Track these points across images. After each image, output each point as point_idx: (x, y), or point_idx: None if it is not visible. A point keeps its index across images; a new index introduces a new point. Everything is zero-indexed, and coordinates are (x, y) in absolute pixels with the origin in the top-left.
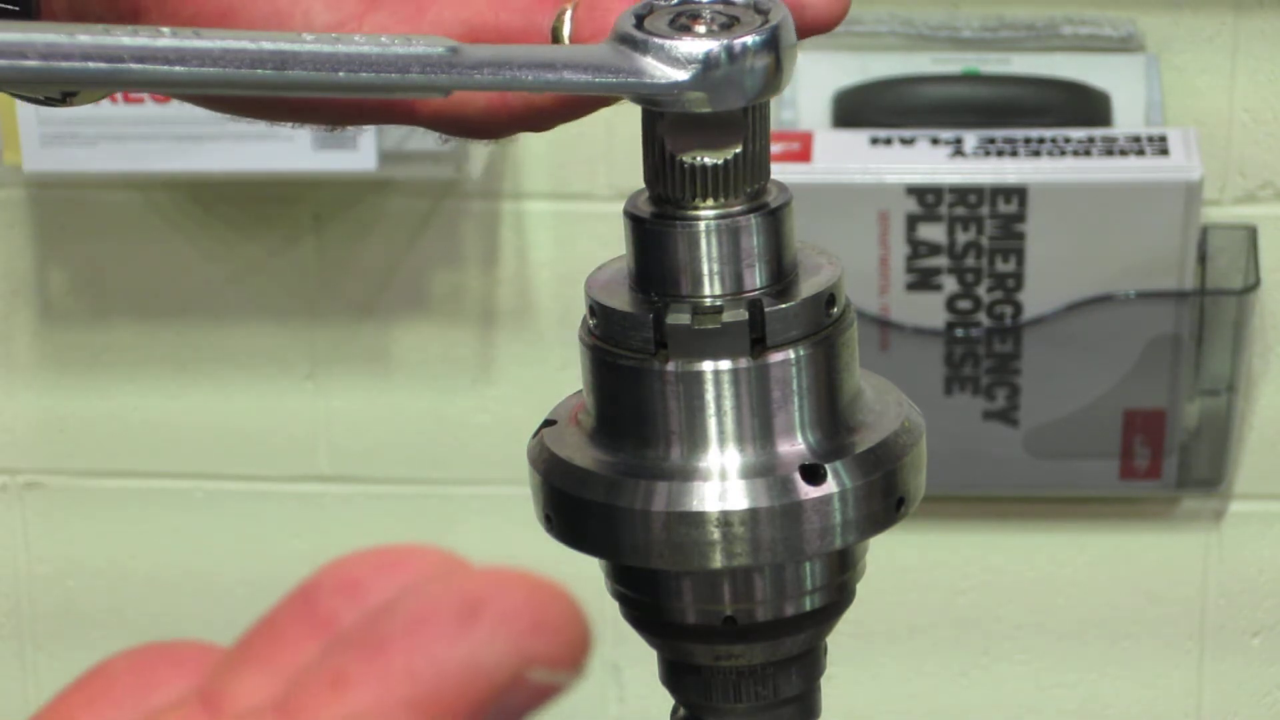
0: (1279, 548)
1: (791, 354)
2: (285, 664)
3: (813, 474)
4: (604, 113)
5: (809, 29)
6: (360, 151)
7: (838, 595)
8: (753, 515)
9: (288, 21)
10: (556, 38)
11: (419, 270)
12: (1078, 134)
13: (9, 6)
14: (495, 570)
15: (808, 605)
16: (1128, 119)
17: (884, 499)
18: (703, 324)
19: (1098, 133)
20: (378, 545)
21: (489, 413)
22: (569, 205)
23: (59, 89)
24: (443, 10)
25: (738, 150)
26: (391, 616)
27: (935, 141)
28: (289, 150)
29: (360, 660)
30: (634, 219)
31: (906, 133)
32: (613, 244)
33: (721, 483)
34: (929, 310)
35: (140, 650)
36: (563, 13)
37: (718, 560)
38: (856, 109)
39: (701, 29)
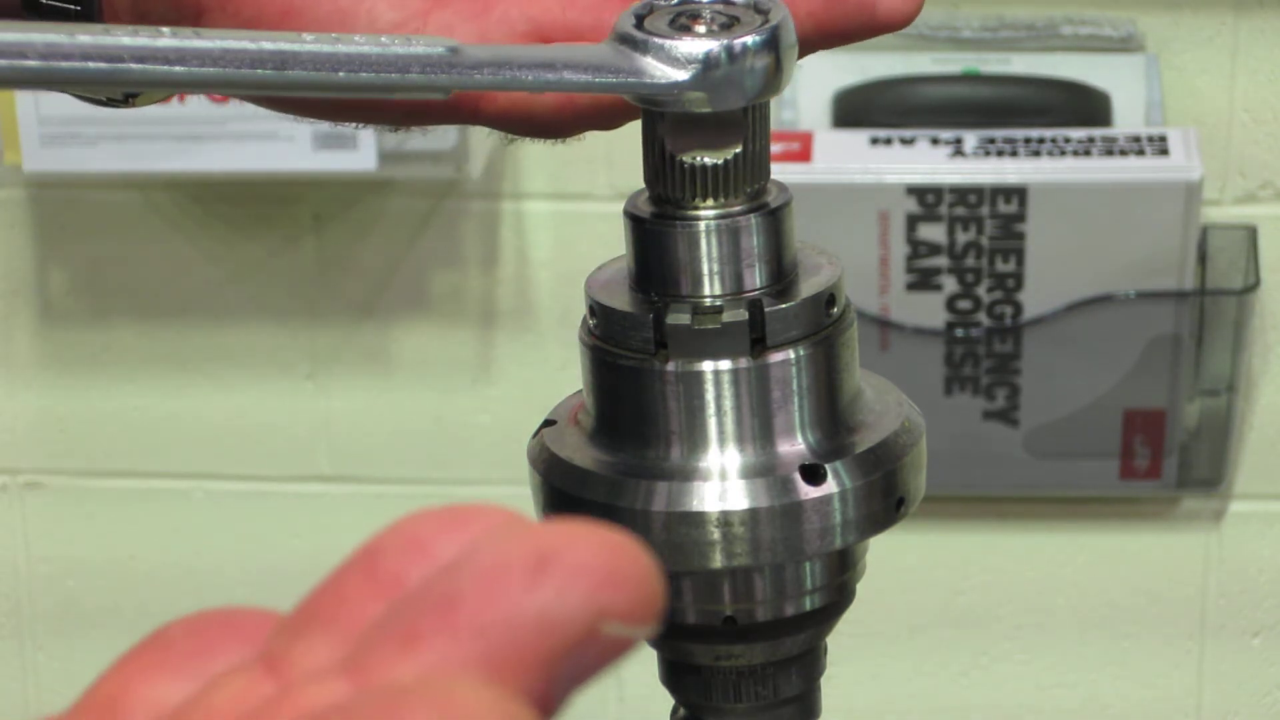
0: (1279, 548)
1: (791, 354)
2: (350, 625)
3: (813, 474)
4: None
5: (881, 27)
6: (360, 151)
7: (838, 595)
8: (753, 515)
9: (352, 20)
10: None
11: (419, 270)
12: (1078, 134)
13: (70, 6)
14: (564, 524)
15: (808, 605)
16: (1128, 119)
17: (884, 499)
18: (703, 324)
19: (1098, 133)
20: (441, 505)
21: (489, 413)
22: (569, 205)
23: (59, 89)
24: (510, 8)
25: (738, 150)
26: (461, 572)
27: (935, 141)
28: (289, 150)
29: (431, 617)
30: (634, 219)
31: (906, 133)
32: (613, 244)
33: (721, 483)
34: (929, 310)
35: (197, 617)
36: None
37: (718, 560)
38: (856, 109)
39: (701, 29)
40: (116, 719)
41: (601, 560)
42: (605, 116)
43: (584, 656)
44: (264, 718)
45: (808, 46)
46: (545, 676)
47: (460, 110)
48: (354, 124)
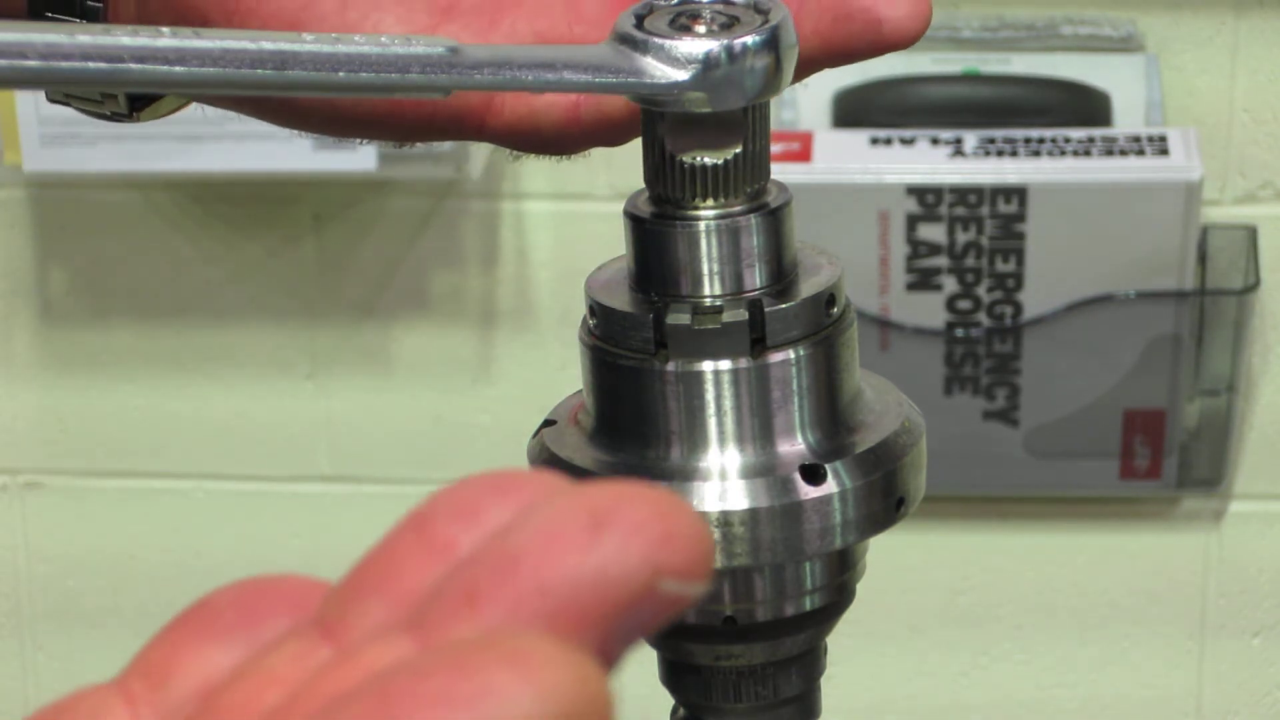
0: (1279, 548)
1: (791, 354)
2: (405, 591)
3: (813, 474)
4: None
5: (887, 45)
6: (360, 151)
7: (838, 595)
8: (753, 515)
9: (356, 32)
10: None
11: (419, 270)
12: (1078, 134)
13: (95, 4)
14: (617, 485)
15: (808, 605)
16: (1128, 119)
17: (884, 499)
18: (703, 324)
19: (1098, 133)
20: (490, 470)
21: (489, 413)
22: (569, 205)
23: (62, 90)
24: (516, 22)
25: (738, 150)
26: (520, 533)
27: (935, 141)
28: (289, 150)
29: (491, 577)
30: (634, 219)
31: (906, 133)
32: (613, 244)
33: (721, 483)
34: (929, 310)
35: (244, 584)
36: None
37: (718, 560)
38: (856, 109)
39: (701, 29)
40: (166, 687)
41: (656, 519)
42: (611, 132)
43: (640, 614)
44: (330, 681)
45: (813, 65)
46: (604, 633)
47: (465, 126)
48: (359, 140)
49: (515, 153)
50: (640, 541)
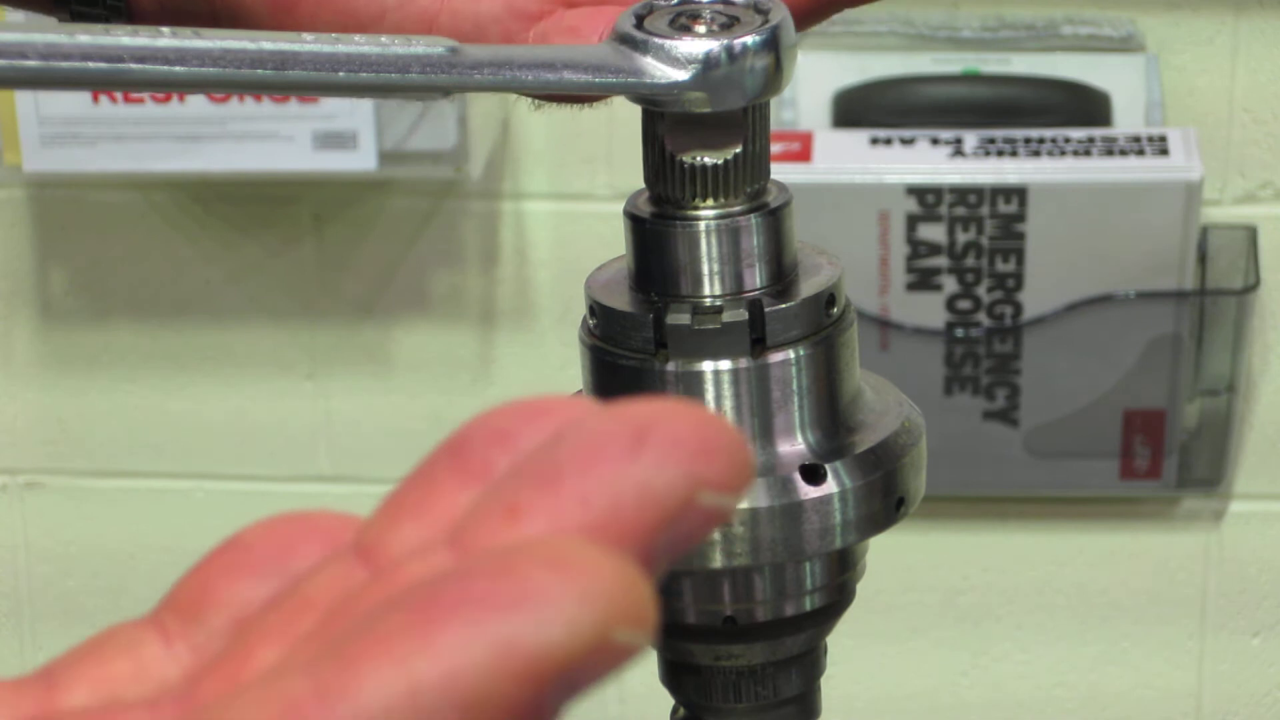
0: (1279, 548)
1: (791, 354)
2: (442, 513)
3: (813, 474)
4: (604, 112)
5: None
6: (360, 151)
7: (838, 595)
8: (753, 515)
9: None
10: None
11: (419, 270)
12: (1078, 134)
13: (97, 10)
14: (655, 401)
15: (808, 605)
16: (1128, 119)
17: (884, 499)
18: (703, 324)
19: (1098, 133)
20: (525, 396)
21: None
22: (569, 205)
23: (60, 89)
24: None
25: (738, 150)
26: (561, 448)
27: (935, 141)
28: (289, 150)
29: (533, 491)
30: (634, 219)
31: (906, 133)
32: (613, 244)
33: None
34: (929, 310)
35: (275, 519)
36: None
37: (718, 560)
38: (856, 109)
39: (701, 29)
40: (200, 620)
41: (695, 433)
42: None
43: (682, 525)
44: (368, 596)
45: (814, 16)
46: (646, 546)
47: None
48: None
49: (537, 101)
50: (680, 454)
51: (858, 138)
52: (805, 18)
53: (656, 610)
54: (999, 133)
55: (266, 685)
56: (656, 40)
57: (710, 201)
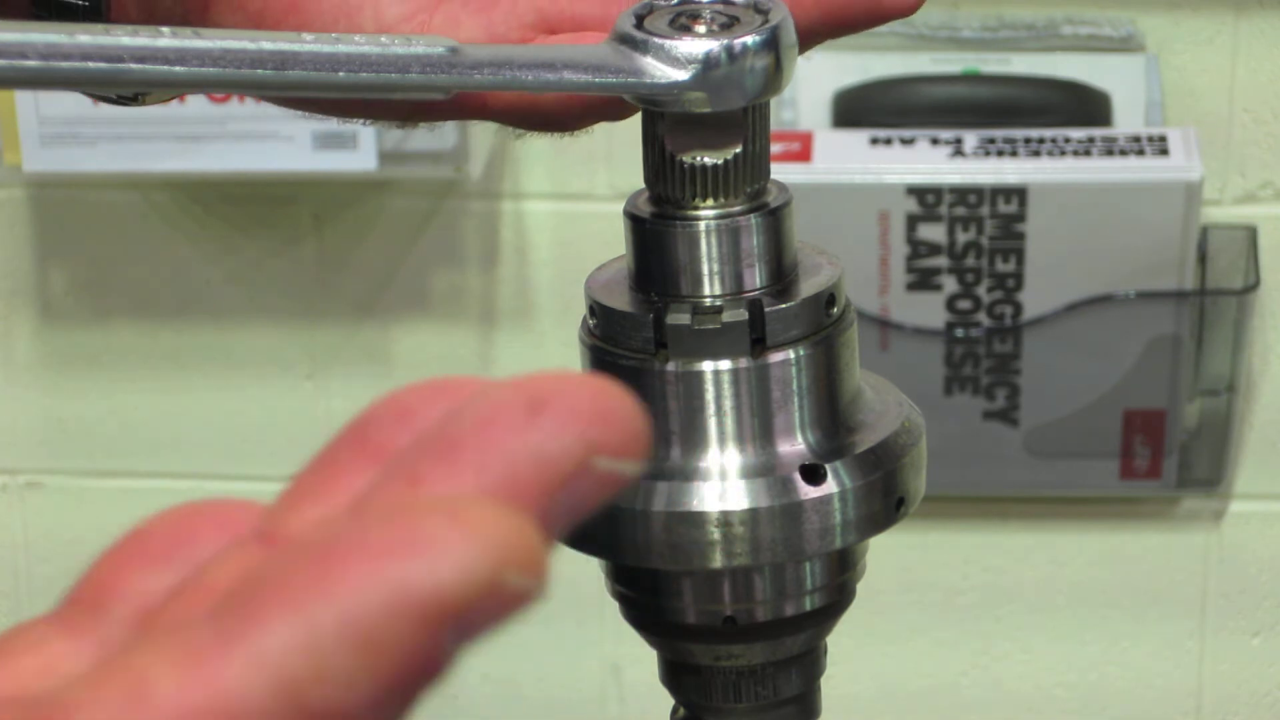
0: (1279, 548)
1: (791, 354)
2: (344, 491)
3: (813, 474)
4: None
5: (888, 14)
6: (360, 151)
7: (838, 595)
8: (753, 515)
9: (356, 15)
10: None
11: (419, 270)
12: (1078, 134)
13: (80, 2)
14: (551, 373)
15: (808, 605)
16: (1128, 119)
17: (884, 499)
18: (703, 324)
19: (1098, 133)
20: (428, 377)
21: None
22: (569, 205)
23: (60, 88)
24: (517, 1)
25: (738, 150)
26: (459, 420)
27: (935, 141)
28: (289, 150)
29: (432, 461)
30: (634, 219)
31: (906, 133)
32: (613, 244)
33: (721, 483)
34: (929, 310)
35: (175, 509)
36: None
37: (718, 560)
38: (856, 109)
39: (701, 29)
40: (107, 610)
41: (591, 401)
42: (613, 108)
43: (579, 489)
44: (262, 569)
45: (814, 37)
46: (543, 508)
47: (467, 106)
48: (360, 120)
49: (519, 131)
50: (576, 422)
51: (858, 138)
52: (805, 40)
53: (548, 558)
54: (999, 133)
55: (170, 632)
56: (656, 40)
57: (710, 201)
